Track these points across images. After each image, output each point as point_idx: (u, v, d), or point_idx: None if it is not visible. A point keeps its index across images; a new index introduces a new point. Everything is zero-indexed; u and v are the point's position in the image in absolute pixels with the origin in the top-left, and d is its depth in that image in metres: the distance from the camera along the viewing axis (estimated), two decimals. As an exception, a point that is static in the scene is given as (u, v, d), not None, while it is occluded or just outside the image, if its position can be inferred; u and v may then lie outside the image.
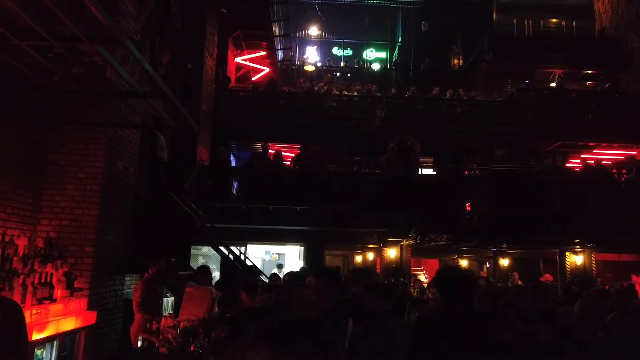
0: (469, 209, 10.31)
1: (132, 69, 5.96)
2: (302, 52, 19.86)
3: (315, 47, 20.07)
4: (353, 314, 3.28)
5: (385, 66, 19.97)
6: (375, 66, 19.86)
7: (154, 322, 5.22)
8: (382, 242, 11.47)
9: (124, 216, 6.80)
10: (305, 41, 20.16)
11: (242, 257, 9.42)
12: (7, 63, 4.25)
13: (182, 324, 4.59)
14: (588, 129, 13.27)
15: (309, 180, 9.94)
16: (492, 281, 11.06)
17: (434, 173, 12.80)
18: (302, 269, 7.75)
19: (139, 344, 5.48)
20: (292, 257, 12.90)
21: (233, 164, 12.81)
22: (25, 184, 5.78)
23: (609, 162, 12.39)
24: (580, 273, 11.45)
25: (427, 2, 19.61)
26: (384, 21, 20.48)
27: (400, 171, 10.22)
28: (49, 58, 4.45)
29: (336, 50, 20.43)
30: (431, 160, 12.98)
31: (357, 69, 18.99)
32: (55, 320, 4.92)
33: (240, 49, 14.36)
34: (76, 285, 5.62)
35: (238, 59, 14.57)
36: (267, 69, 15.06)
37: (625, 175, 11.29)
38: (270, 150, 11.26)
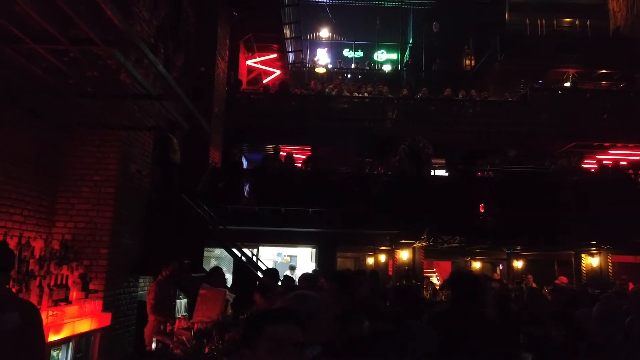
0: (482, 210, 10.22)
1: (146, 72, 5.99)
2: (313, 54, 19.88)
3: (326, 49, 20.10)
4: (369, 316, 3.25)
5: (397, 67, 19.91)
6: (387, 68, 19.81)
7: (168, 323, 5.24)
8: (395, 244, 11.42)
9: (138, 218, 6.83)
10: (316, 43, 20.20)
11: (254, 259, 9.43)
12: (23, 66, 4.30)
13: (196, 325, 4.59)
14: (603, 129, 13.11)
15: (321, 182, 9.93)
16: (505, 283, 10.98)
17: (446, 174, 12.72)
18: (314, 271, 7.74)
19: (153, 345, 5.50)
20: (304, 259, 12.87)
21: (245, 166, 12.85)
22: (41, 186, 5.82)
23: (625, 163, 12.21)
24: (597, 275, 11.30)
25: (438, 2, 19.54)
26: (394, 22, 20.44)
27: (412, 173, 10.17)
28: (65, 61, 4.50)
29: (347, 52, 20.43)
30: (443, 161, 12.89)
31: (368, 71, 18.97)
32: (71, 321, 4.94)
33: (252, 52, 14.42)
34: (91, 287, 5.66)
35: (249, 62, 14.63)
36: (278, 72, 15.11)
37: (641, 176, 11.13)
38: (281, 153, 11.27)
